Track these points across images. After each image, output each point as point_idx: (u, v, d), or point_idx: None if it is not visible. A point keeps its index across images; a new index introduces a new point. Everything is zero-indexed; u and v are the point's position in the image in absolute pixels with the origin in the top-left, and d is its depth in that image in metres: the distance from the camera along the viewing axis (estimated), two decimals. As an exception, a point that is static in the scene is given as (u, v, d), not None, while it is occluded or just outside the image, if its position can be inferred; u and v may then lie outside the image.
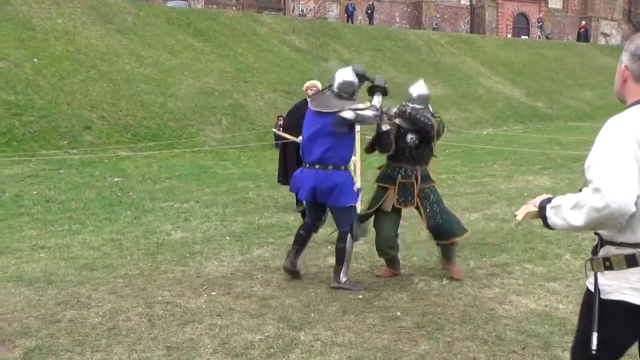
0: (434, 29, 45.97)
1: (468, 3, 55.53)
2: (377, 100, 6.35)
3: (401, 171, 6.54)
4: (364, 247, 7.73)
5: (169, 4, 34.45)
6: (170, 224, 9.05)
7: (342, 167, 6.28)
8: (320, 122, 6.28)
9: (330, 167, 6.19)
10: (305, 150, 6.41)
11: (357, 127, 7.19)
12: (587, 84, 34.18)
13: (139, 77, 19.52)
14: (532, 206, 2.87)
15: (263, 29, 27.44)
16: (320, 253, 7.51)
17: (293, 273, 6.54)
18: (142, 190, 11.53)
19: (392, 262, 6.70)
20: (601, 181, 2.52)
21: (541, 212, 2.79)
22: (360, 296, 6.01)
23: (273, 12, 41.81)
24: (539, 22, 53.63)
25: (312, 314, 5.53)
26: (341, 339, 4.97)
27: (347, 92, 6.32)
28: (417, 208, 6.53)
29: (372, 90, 6.48)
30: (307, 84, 10.40)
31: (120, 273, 6.76)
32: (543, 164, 14.85)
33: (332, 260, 7.24)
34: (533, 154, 16.12)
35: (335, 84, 6.37)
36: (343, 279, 6.25)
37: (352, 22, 41.61)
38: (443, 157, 17.02)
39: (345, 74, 6.39)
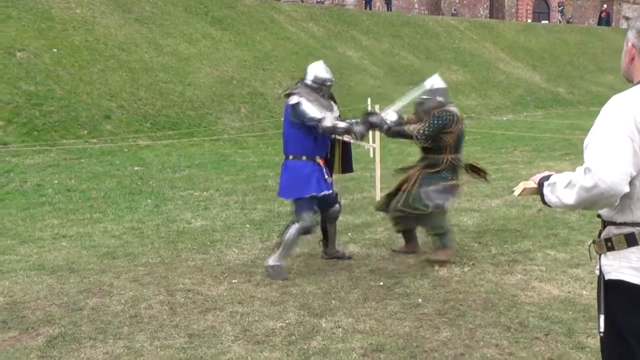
0: (452, 14, 45.57)
1: (487, -12, 54.96)
2: (359, 128, 6.40)
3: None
4: (384, 234, 7.71)
5: None
6: (191, 213, 9.07)
7: (303, 157, 6.30)
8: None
9: (291, 157, 6.36)
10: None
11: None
12: (609, 69, 33.72)
13: (157, 66, 19.54)
14: (531, 182, 2.84)
15: (281, 16, 27.34)
16: (340, 240, 7.47)
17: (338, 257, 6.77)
18: (161, 179, 11.56)
19: (408, 238, 6.93)
20: (592, 161, 2.50)
21: (539, 189, 2.75)
22: (381, 283, 5.99)
23: (291, 0, 41.67)
24: (559, 7, 52.96)
25: (333, 301, 5.52)
26: (362, 326, 4.96)
27: (316, 83, 6.42)
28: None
29: (365, 117, 6.60)
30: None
31: (142, 261, 6.79)
32: (564, 150, 14.70)
33: (352, 247, 7.24)
34: (554, 140, 15.97)
35: (308, 77, 6.47)
36: (272, 262, 6.22)
37: (370, 9, 41.35)
38: (463, 144, 16.93)
39: (317, 69, 6.50)
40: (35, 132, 14.13)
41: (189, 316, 5.21)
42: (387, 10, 42.26)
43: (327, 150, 6.52)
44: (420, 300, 5.52)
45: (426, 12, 48.72)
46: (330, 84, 6.49)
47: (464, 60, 29.49)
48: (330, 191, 6.41)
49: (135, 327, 4.99)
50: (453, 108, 6.69)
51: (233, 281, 6.09)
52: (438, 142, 6.51)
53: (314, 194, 6.22)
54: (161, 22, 22.73)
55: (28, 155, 12.72)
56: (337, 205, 6.67)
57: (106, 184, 10.93)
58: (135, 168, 12.39)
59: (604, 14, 48.87)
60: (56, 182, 11.09)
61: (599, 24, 47.28)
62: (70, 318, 5.18)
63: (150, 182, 11.23)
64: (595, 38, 38.43)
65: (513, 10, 53.51)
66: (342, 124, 6.32)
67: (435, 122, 6.47)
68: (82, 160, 12.75)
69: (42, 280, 6.13)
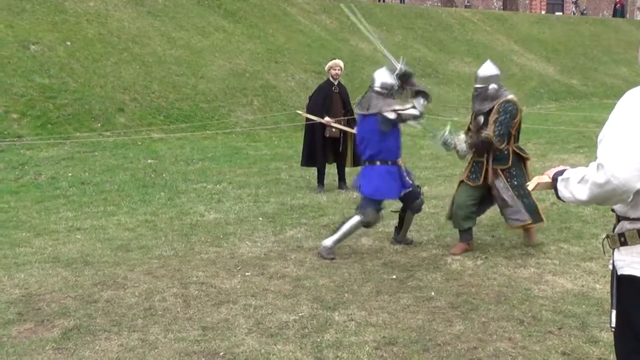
0: (466, 6, 45.31)
1: (501, -21, 54.63)
2: (419, 103, 6.66)
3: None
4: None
5: None
6: (204, 205, 9.10)
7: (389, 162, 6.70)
8: (366, 122, 6.73)
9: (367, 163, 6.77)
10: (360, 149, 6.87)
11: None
12: (624, 60, 33.50)
13: (170, 59, 19.58)
14: (545, 177, 2.84)
15: (293, 9, 27.30)
16: (353, 234, 7.48)
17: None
18: (175, 171, 11.60)
19: (465, 235, 6.77)
20: (605, 156, 2.50)
21: (553, 184, 2.75)
22: (394, 276, 6.00)
23: (303, -8, 41.54)
24: (573, -2, 52.58)
25: (346, 295, 5.54)
26: (375, 319, 4.97)
27: (386, 89, 6.72)
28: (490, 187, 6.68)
29: (416, 94, 6.79)
30: (330, 63, 10.35)
31: (155, 254, 6.83)
32: (578, 142, 14.64)
33: (365, 240, 7.25)
34: (568, 132, 15.90)
35: (376, 84, 6.80)
36: (328, 243, 6.68)
37: (384, 1, 41.22)
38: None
39: (382, 76, 6.83)
40: (49, 125, 14.20)
41: (202, 309, 5.24)
42: (400, 2, 42.10)
43: (400, 152, 6.85)
44: (433, 293, 5.52)
45: (439, 4, 48.45)
46: (398, 88, 6.76)
47: (477, 52, 29.35)
48: (410, 188, 6.80)
49: (150, 320, 5.02)
50: (511, 95, 6.66)
51: (246, 274, 6.12)
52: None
53: (387, 198, 6.77)
54: (174, 15, 22.76)
55: (42, 148, 12.79)
56: (420, 199, 6.97)
57: (120, 177, 10.98)
58: (149, 161, 12.44)
59: (618, 5, 48.43)
60: (70, 175, 11.15)
61: (614, 15, 46.91)
62: (85, 310, 5.22)
63: (164, 175, 11.27)
64: (610, 30, 38.14)
65: (527, 2, 53.14)
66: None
67: (503, 117, 6.47)
68: (96, 153, 12.81)
69: (57, 273, 6.18)
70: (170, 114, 16.67)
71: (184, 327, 4.87)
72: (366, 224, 6.76)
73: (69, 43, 17.99)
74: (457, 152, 6.78)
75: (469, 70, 26.83)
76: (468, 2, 48.61)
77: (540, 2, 53.26)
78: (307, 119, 10.29)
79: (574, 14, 49.43)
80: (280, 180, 10.92)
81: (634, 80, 29.35)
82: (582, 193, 2.57)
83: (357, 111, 6.98)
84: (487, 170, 6.61)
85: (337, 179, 10.35)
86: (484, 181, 6.64)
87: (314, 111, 10.10)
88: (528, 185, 2.94)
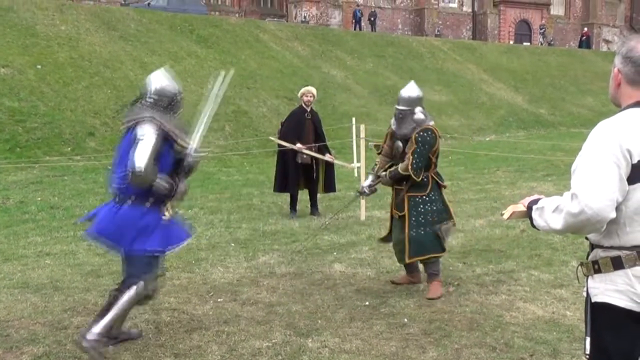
0: (436, 35, 46.01)
1: (470, 9, 55.60)
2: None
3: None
4: (369, 254, 7.73)
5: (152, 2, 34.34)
6: (175, 231, 9.03)
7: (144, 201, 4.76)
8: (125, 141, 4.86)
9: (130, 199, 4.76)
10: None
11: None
12: (590, 91, 34.19)
13: (142, 83, 19.55)
14: (520, 205, 2.89)
15: (266, 35, 27.48)
16: (325, 260, 7.50)
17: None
18: (146, 196, 11.52)
19: (410, 269, 6.53)
20: (579, 187, 2.55)
21: (528, 213, 2.80)
22: (367, 303, 6.01)
23: (275, 19, 41.88)
24: (541, 29, 53.67)
25: (319, 321, 5.52)
26: (349, 346, 4.96)
27: (163, 100, 4.95)
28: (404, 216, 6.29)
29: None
30: (303, 90, 10.42)
31: (126, 280, 6.75)
32: (546, 171, 14.85)
33: (338, 266, 7.24)
34: (536, 161, 16.12)
35: (151, 91, 4.98)
36: (96, 330, 4.61)
37: (360, 28, 41.68)
38: (446, 164, 17.02)
39: (160, 79, 5.07)
40: (18, 149, 14.06)
41: (174, 335, 5.19)
42: (372, 30, 42.59)
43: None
44: (406, 320, 5.54)
45: (410, 32, 49.17)
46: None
47: (447, 80, 29.75)
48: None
49: (121, 347, 4.95)
50: (431, 123, 6.29)
51: (219, 300, 6.08)
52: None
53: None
54: (146, 40, 22.76)
55: (11, 171, 12.64)
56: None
57: (90, 202, 10.87)
58: (119, 186, 12.34)
59: (584, 36, 49.61)
60: (39, 199, 11.03)
61: (580, 46, 48.01)
62: (55, 337, 5.14)
63: (135, 200, 11.18)
64: (576, 60, 38.94)
65: (495, 32, 54.18)
66: None
67: (422, 149, 6.13)
68: (66, 177, 12.70)
69: (26, 299, 6.08)
70: (141, 139, 16.59)
71: (155, 354, 4.82)
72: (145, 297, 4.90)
73: (39, 66, 17.88)
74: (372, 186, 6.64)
75: (439, 98, 27.17)
76: (438, 31, 49.38)
77: (509, 32, 54.29)
78: (280, 145, 10.31)
79: (541, 44, 50.41)
80: (253, 206, 10.91)
81: (599, 110, 29.94)
82: (557, 222, 2.62)
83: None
84: (406, 198, 6.24)
85: (309, 205, 10.37)
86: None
87: (286, 137, 10.13)
88: (503, 214, 2.98)
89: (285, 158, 10.20)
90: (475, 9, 55.42)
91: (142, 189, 4.66)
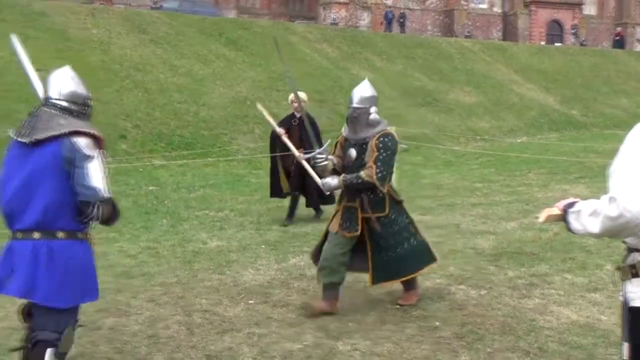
0: (466, 36, 45.76)
1: (500, 10, 55.25)
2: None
3: (347, 193, 5.83)
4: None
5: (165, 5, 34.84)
6: (206, 233, 9.09)
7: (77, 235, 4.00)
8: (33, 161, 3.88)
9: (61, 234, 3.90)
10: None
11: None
12: (623, 91, 33.71)
13: (172, 86, 19.70)
14: (555, 209, 2.84)
15: (295, 37, 27.54)
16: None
17: None
18: (177, 198, 11.61)
19: (329, 293, 5.79)
20: (617, 190, 2.51)
21: (564, 216, 2.75)
22: (398, 306, 5.97)
23: (305, 21, 42.00)
24: (572, 29, 53.12)
25: (350, 324, 5.51)
26: (380, 349, 4.94)
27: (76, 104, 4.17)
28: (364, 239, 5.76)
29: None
30: (290, 96, 10.20)
31: (158, 281, 6.80)
32: (579, 173, 14.65)
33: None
34: (569, 163, 15.92)
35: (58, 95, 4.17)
36: None
37: (391, 30, 41.64)
38: (477, 166, 16.91)
39: (67, 82, 4.31)
40: (52, 151, 14.25)
41: (206, 337, 5.20)
42: (401, 32, 42.49)
43: None
44: (437, 323, 5.50)
45: (439, 34, 48.98)
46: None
47: (477, 82, 29.54)
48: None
49: (153, 348, 4.99)
50: (392, 127, 5.93)
51: (250, 302, 6.09)
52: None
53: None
54: (176, 43, 22.94)
55: (44, 174, 12.80)
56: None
57: (122, 204, 10.88)
58: (151, 188, 12.45)
59: (617, 36, 48.88)
60: (72, 201, 11.14)
61: (614, 46, 47.29)
62: (89, 337, 5.19)
63: (166, 202, 11.27)
64: (609, 60, 38.39)
65: (526, 32, 53.72)
66: None
67: (385, 156, 5.60)
68: (98, 179, 12.81)
69: (60, 300, 6.14)
70: (171, 141, 16.73)
71: (187, 355, 4.84)
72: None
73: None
74: (321, 180, 5.88)
75: (469, 100, 27.00)
76: (468, 32, 49.08)
77: (540, 32, 53.78)
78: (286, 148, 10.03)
79: (573, 44, 49.82)
80: (282, 208, 10.90)
81: (633, 112, 29.52)
82: (594, 226, 2.58)
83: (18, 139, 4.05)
84: (362, 219, 5.68)
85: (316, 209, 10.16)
86: (362, 231, 5.71)
87: (274, 142, 9.92)
88: (538, 217, 2.94)
89: (279, 164, 10.04)
90: (506, 9, 55.05)
91: (74, 217, 3.91)
